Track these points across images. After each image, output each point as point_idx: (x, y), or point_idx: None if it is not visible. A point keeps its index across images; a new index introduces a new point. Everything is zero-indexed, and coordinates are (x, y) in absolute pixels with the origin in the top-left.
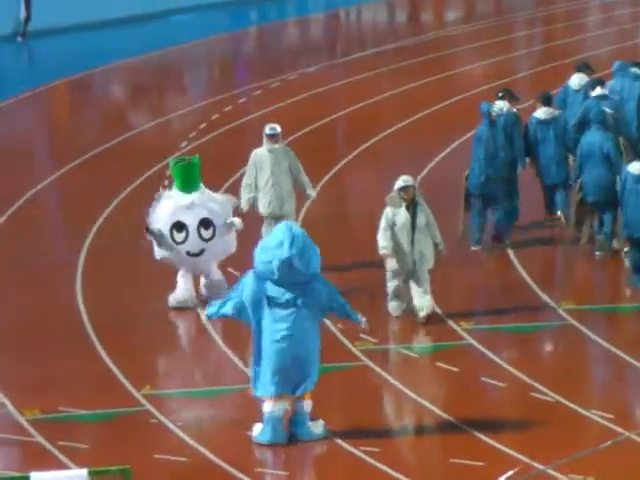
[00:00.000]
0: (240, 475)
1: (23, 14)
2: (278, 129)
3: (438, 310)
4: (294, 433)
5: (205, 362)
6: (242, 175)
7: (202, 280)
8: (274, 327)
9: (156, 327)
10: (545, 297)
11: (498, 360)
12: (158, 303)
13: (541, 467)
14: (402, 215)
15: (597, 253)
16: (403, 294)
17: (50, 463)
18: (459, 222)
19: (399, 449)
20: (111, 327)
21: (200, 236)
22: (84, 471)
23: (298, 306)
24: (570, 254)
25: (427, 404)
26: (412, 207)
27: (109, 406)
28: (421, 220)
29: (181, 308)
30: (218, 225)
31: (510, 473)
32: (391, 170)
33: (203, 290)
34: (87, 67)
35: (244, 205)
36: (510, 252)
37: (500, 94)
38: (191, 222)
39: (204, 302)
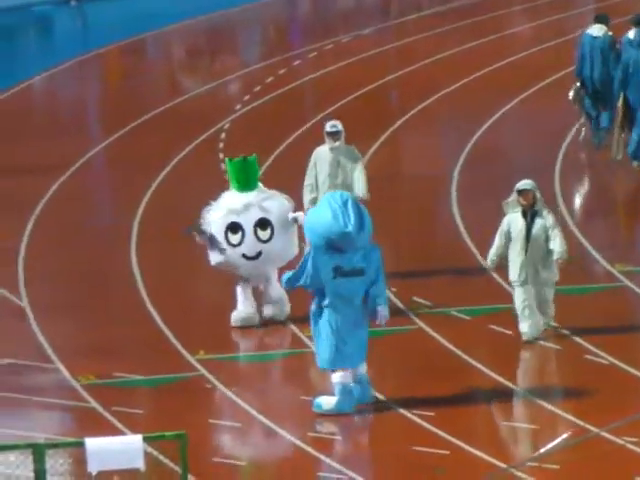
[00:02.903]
0: (294, 439)
1: None
2: (339, 126)
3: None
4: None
5: (259, 327)
6: (295, 139)
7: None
8: (340, 297)
9: (210, 292)
10: (599, 258)
11: (552, 322)
12: (212, 268)
13: (595, 430)
14: (518, 222)
15: None
16: (531, 313)
17: (105, 428)
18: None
19: (453, 413)
20: (165, 292)
21: (257, 237)
22: (139, 437)
23: (361, 273)
24: (626, 215)
25: (481, 367)
26: (530, 214)
27: (164, 371)
28: (538, 229)
29: (246, 327)
30: (276, 225)
31: (564, 436)
32: (445, 132)
33: (264, 310)
34: (140, 31)
35: (307, 206)
36: (564, 211)
37: (597, 19)
38: (247, 223)
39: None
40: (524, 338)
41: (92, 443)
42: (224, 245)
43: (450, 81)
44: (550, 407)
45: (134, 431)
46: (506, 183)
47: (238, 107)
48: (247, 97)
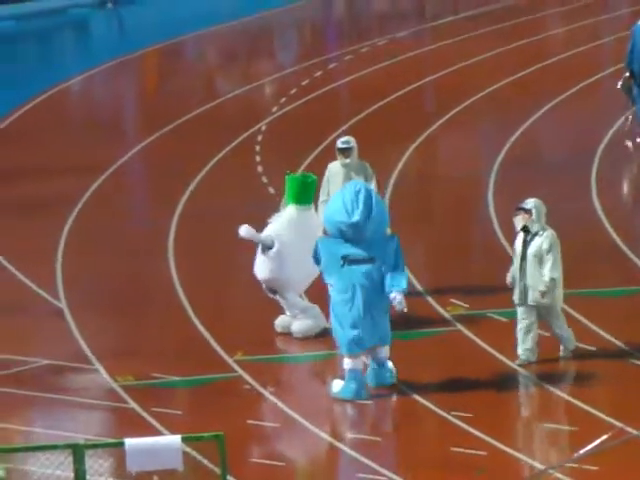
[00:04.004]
0: (334, 441)
1: None
2: (352, 143)
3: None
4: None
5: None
6: (331, 142)
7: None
8: (349, 284)
9: (248, 293)
10: (636, 259)
11: (590, 324)
12: (250, 270)
13: (635, 432)
14: (519, 239)
15: None
16: (526, 336)
17: (143, 429)
18: None
19: (492, 414)
20: (203, 293)
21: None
22: (178, 437)
23: (371, 261)
24: None
25: (519, 369)
26: (532, 233)
27: (202, 372)
28: (532, 250)
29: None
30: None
31: (604, 437)
32: (482, 134)
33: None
34: (177, 33)
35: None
36: (600, 213)
37: None
38: None
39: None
40: (516, 361)
41: (131, 443)
42: None
43: (486, 84)
44: (589, 408)
45: (173, 432)
46: (543, 185)
47: (274, 110)
48: (283, 100)
